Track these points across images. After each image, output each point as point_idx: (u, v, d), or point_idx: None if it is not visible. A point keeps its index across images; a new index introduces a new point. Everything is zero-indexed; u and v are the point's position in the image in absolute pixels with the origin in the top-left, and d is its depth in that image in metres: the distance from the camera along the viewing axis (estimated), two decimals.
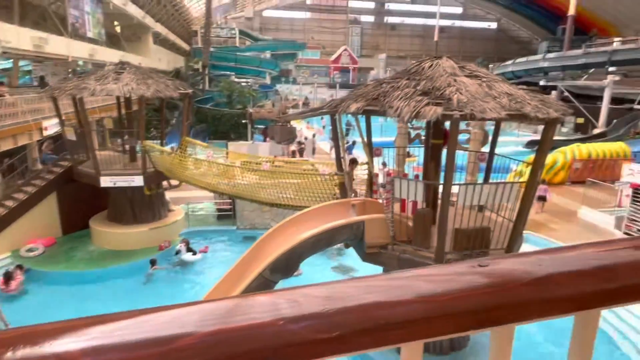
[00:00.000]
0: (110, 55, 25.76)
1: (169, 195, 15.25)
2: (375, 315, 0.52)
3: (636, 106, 31.57)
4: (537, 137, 30.43)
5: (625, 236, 12.14)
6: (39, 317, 9.35)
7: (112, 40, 31.99)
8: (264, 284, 7.19)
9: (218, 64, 44.06)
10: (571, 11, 40.62)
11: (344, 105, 7.06)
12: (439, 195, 7.19)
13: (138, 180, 12.27)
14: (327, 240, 7.37)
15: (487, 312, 0.56)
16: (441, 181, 7.06)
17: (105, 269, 11.72)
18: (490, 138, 9.17)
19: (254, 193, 11.10)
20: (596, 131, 30.70)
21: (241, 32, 58.09)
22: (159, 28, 40.21)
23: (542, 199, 15.47)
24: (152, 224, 13.28)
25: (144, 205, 13.25)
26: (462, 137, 10.14)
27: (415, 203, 7.51)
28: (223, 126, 30.75)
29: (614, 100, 31.79)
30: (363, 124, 8.35)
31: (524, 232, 13.04)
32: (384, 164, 16.10)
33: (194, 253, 12.34)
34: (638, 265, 0.61)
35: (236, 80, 41.10)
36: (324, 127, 33.91)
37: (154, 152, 12.24)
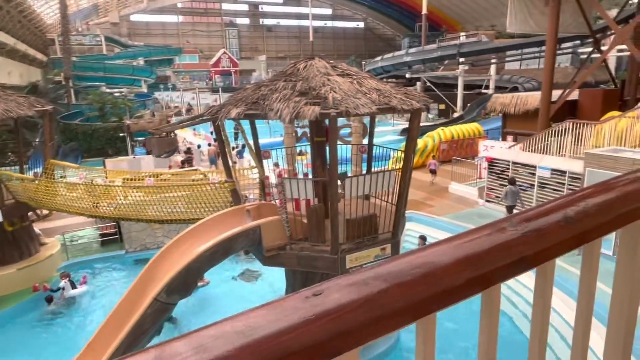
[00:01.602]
0: None
1: (39, 227, 13.42)
2: None
3: (483, 90, 36.68)
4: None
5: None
6: None
7: None
8: (160, 309, 6.78)
9: (84, 74, 39.87)
10: (424, 10, 45.50)
11: (225, 111, 6.97)
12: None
13: None
14: (224, 250, 7.24)
15: (324, 345, 0.54)
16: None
17: None
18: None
19: (140, 212, 10.35)
20: (455, 115, 34.93)
21: (108, 39, 53.26)
22: (2, 37, 34.83)
23: (433, 172, 18.16)
24: (20, 263, 11.53)
25: (6, 242, 11.44)
26: (344, 131, 10.77)
27: (308, 200, 7.77)
28: (97, 142, 28.01)
29: (466, 86, 36.51)
30: (250, 128, 8.36)
31: (408, 212, 14.46)
32: (276, 165, 16.29)
33: (75, 287, 11.07)
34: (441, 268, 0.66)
35: (108, 90, 37.68)
36: (212, 132, 32.84)
37: (11, 180, 10.64)
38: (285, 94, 6.79)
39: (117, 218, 11.03)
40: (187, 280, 6.91)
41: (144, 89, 45.57)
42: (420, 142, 21.40)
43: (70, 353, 6.79)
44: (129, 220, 10.86)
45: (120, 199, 10.54)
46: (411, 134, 7.49)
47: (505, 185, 13.15)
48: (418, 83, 41.22)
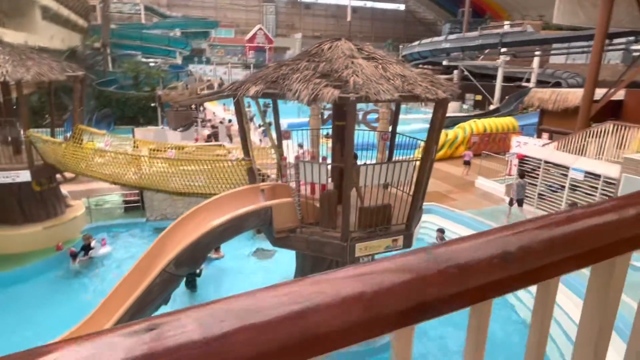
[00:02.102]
0: None
1: (68, 188, 13.92)
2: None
3: (524, 84, 35.11)
4: (449, 114, 32.59)
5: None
6: None
7: None
8: (168, 280, 6.90)
9: (121, 42, 40.61)
10: None
11: (244, 88, 6.88)
12: None
13: (24, 176, 10.97)
14: (235, 228, 7.25)
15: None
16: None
17: None
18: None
19: (161, 183, 10.52)
20: (491, 107, 33.68)
21: (147, 8, 53.98)
22: (47, 1, 35.72)
23: (468, 163, 17.75)
24: (46, 222, 12.02)
25: (35, 202, 11.93)
26: (371, 116, 10.51)
27: (324, 185, 7.65)
28: (129, 110, 28.65)
29: (506, 78, 35.03)
30: (272, 107, 8.26)
31: (429, 204, 14.13)
32: (300, 146, 16.19)
33: (95, 249, 11.46)
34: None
35: (143, 60, 38.29)
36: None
37: (40, 143, 10.99)
38: (306, 74, 6.61)
39: (138, 187, 11.27)
40: (196, 255, 6.98)
41: (178, 61, 46.10)
42: (450, 133, 20.78)
43: (86, 311, 7.02)
44: (150, 189, 11.07)
45: (145, 169, 10.71)
46: (434, 124, 7.19)
47: (530, 184, 12.62)
48: (455, 71, 39.85)
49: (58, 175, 12.28)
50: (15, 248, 11.37)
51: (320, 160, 9.16)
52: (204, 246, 7.05)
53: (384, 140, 9.52)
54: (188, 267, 7.04)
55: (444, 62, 41.39)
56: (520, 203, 12.79)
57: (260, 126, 20.77)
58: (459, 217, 13.41)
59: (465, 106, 37.75)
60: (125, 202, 14.36)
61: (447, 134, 20.48)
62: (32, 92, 21.70)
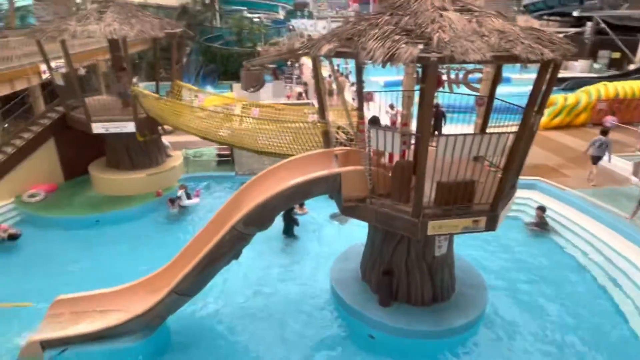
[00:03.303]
0: None
1: (170, 139, 15.09)
2: None
3: None
4: (574, 74, 28.11)
5: None
6: (42, 264, 9.74)
7: None
8: (237, 237, 7.07)
9: None
10: None
11: (317, 46, 6.40)
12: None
13: (130, 127, 12.08)
14: (303, 193, 7.10)
15: None
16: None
17: (104, 214, 11.94)
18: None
19: (247, 141, 10.67)
20: (631, 67, 28.25)
21: None
22: None
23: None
24: (149, 170, 13.28)
25: (140, 151, 13.19)
26: (472, 77, 9.26)
27: (404, 153, 7.03)
28: (232, 66, 29.85)
29: None
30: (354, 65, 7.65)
31: (532, 178, 12.51)
32: (391, 106, 15.25)
33: (190, 198, 12.37)
34: None
35: (247, 15, 39.23)
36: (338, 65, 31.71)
37: (143, 97, 11.87)
38: (385, 30, 5.89)
39: (227, 144, 11.65)
40: (263, 216, 7.01)
41: (281, 16, 46.32)
42: (570, 98, 17.91)
43: (175, 251, 7.67)
44: (236, 147, 11.37)
45: (236, 126, 10.96)
46: (536, 89, 6.02)
47: None
48: (589, 23, 33.88)
49: (159, 128, 13.31)
50: (124, 191, 12.82)
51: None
52: (272, 208, 7.03)
53: (478, 105, 8.40)
54: (256, 227, 7.11)
55: (575, 13, 35.34)
56: (594, 160, 12.20)
57: (353, 84, 20.10)
58: (567, 197, 11.68)
59: (597, 65, 32.18)
60: (219, 155, 15.18)
61: (566, 98, 17.69)
62: (148, 48, 23.66)
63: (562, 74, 27.25)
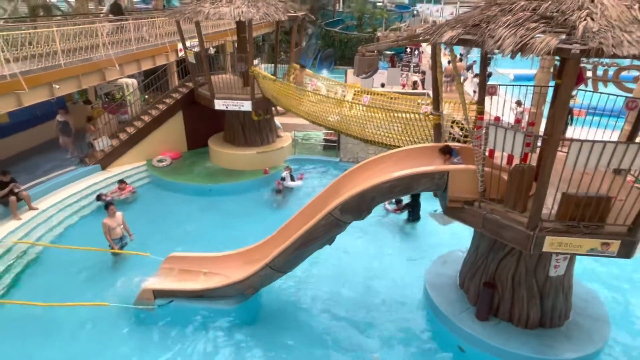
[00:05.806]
0: None
1: (282, 120, 15.71)
2: None
3: None
4: None
5: None
6: (160, 221, 10.98)
7: None
8: (333, 223, 7.06)
9: None
10: None
11: (438, 32, 5.93)
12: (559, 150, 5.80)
13: (247, 105, 12.80)
14: (404, 187, 6.77)
15: None
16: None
17: (216, 185, 12.96)
18: None
19: (355, 129, 10.54)
20: None
21: None
22: None
23: None
24: (259, 148, 14.02)
25: (253, 129, 13.96)
26: (628, 75, 7.85)
27: (526, 155, 6.27)
28: (350, 51, 29.92)
29: None
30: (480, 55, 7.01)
31: None
32: (519, 103, 13.82)
33: (293, 180, 12.77)
34: None
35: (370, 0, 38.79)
36: (461, 55, 29.03)
37: (261, 78, 12.45)
38: (519, 17, 5.21)
39: (335, 130, 11.68)
40: (360, 206, 6.88)
41: (406, 0, 44.88)
42: None
43: (273, 228, 8.11)
44: (345, 134, 11.33)
45: (346, 112, 10.93)
46: None
47: None
48: None
49: (273, 109, 13.90)
50: (236, 165, 13.76)
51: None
52: (370, 199, 6.86)
53: (629, 109, 7.11)
54: (352, 215, 7.01)
55: None
56: None
57: (476, 76, 18.66)
58: None
59: None
60: (325, 140, 15.39)
61: None
62: (272, 31, 24.82)
63: None
